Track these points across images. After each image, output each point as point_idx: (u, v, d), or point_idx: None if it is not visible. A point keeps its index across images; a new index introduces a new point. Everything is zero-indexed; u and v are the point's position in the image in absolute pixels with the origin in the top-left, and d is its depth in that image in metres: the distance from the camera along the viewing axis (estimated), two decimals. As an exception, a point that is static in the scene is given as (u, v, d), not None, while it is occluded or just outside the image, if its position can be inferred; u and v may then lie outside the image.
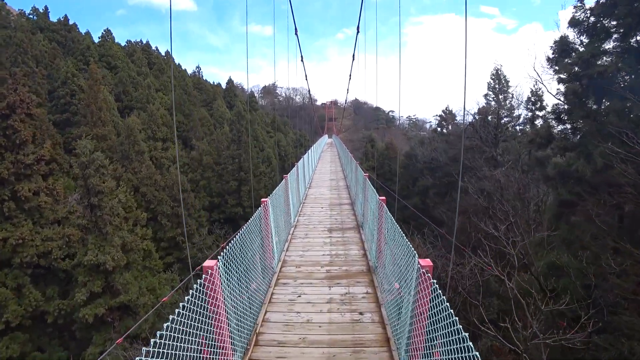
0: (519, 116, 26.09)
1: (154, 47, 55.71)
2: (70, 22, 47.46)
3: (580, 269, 10.84)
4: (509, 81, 26.98)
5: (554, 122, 15.82)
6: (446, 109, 37.34)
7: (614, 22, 12.66)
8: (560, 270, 11.66)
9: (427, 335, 2.83)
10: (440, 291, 2.57)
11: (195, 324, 2.68)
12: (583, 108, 13.60)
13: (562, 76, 14.49)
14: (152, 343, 2.05)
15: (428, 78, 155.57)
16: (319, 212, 11.21)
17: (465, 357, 2.09)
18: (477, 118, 26.45)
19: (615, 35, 12.78)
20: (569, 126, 15.05)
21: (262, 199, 5.87)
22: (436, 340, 2.59)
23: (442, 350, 2.44)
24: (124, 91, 40.08)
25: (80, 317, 16.24)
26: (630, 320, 9.53)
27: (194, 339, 2.62)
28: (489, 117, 26.35)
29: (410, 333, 3.23)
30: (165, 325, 2.18)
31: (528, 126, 24.43)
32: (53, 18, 46.70)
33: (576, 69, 13.77)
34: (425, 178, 31.60)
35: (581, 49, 13.75)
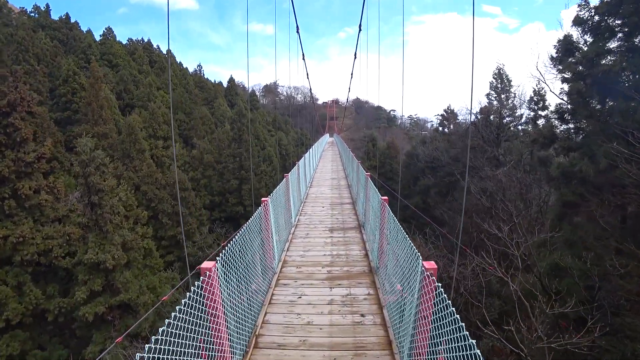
0: (521, 116, 25.99)
1: (155, 46, 55.74)
2: (72, 21, 47.67)
3: (584, 270, 10.72)
4: (511, 80, 26.86)
5: (557, 121, 15.69)
6: (448, 108, 37.28)
7: (619, 21, 12.52)
8: (563, 271, 11.54)
9: (431, 340, 2.75)
10: (445, 295, 2.49)
11: (193, 327, 2.61)
12: (587, 107, 13.48)
13: (565, 75, 14.37)
14: (146, 349, 1.98)
15: (429, 77, 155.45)
16: (320, 211, 11.13)
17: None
18: (479, 117, 26.32)
19: (619, 35, 12.63)
20: (572, 126, 14.91)
21: (263, 198, 5.80)
22: (440, 346, 2.51)
23: (447, 357, 2.36)
24: (125, 89, 40.08)
25: (80, 316, 16.22)
26: (633, 322, 9.41)
27: (191, 342, 2.55)
28: (491, 117, 26.21)
29: (413, 337, 3.15)
30: (160, 329, 2.12)
31: (530, 126, 24.25)
32: (54, 16, 46.92)
33: (580, 68, 13.65)
34: (426, 177, 31.50)
35: (585, 48, 13.63)
